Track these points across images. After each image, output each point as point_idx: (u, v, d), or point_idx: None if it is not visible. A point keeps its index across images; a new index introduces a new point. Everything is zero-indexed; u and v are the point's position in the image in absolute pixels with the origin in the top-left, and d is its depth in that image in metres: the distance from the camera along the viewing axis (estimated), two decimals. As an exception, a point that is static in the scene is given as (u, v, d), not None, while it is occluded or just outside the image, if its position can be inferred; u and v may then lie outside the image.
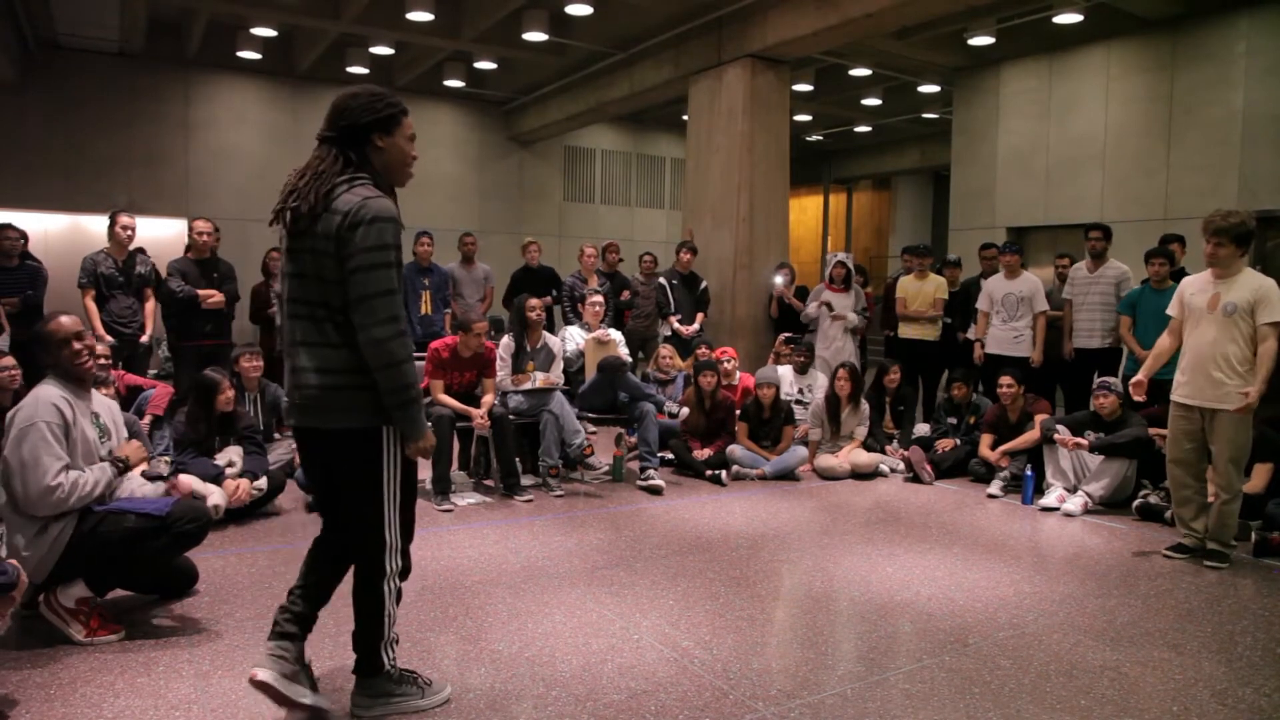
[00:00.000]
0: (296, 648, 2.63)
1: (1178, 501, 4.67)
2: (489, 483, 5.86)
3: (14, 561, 2.87)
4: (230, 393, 4.99)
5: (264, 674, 2.53)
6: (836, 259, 8.15)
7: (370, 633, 2.62)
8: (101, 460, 3.33)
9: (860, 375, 6.82)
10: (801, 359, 7.29)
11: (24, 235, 6.74)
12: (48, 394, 3.20)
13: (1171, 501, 4.81)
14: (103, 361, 5.37)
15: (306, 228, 2.41)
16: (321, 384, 2.45)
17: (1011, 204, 10.69)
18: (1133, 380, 4.69)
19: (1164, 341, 4.69)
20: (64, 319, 3.29)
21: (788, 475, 6.32)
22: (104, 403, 3.54)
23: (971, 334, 7.56)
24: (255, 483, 4.86)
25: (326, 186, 2.40)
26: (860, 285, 8.48)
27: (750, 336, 9.06)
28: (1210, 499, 4.57)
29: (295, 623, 2.64)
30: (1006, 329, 7.10)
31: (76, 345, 3.28)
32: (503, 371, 5.87)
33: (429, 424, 2.56)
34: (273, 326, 6.96)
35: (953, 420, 6.73)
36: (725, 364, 6.94)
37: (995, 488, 5.95)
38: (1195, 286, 4.53)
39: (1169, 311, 4.69)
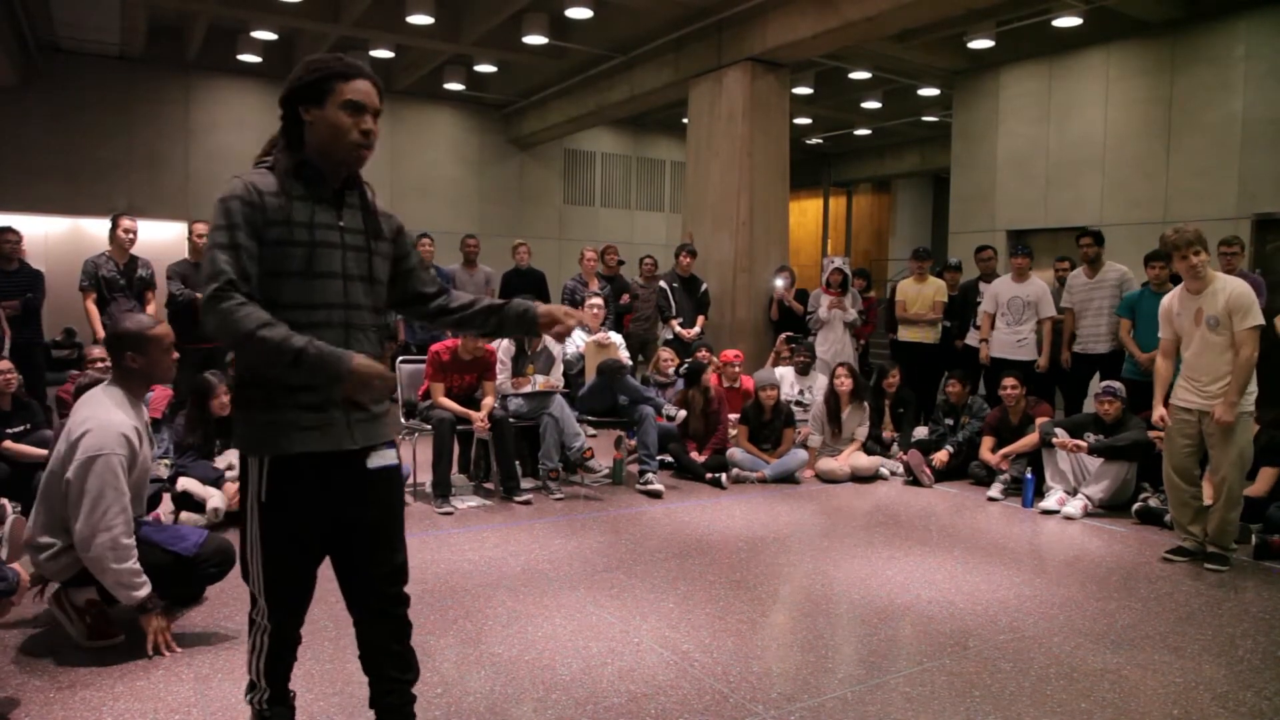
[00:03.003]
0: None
1: (1175, 505, 4.68)
2: (489, 485, 5.86)
3: (16, 566, 2.87)
4: (225, 398, 4.98)
5: None
6: (833, 265, 8.19)
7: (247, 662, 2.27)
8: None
9: (859, 374, 6.84)
10: (803, 360, 7.31)
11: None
12: (118, 422, 3.04)
13: (1169, 505, 4.81)
14: (101, 365, 5.38)
15: None
16: None
17: (1011, 207, 10.70)
18: (1156, 416, 4.67)
19: (1162, 366, 4.70)
20: (164, 326, 3.19)
21: (788, 478, 6.33)
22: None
23: (972, 339, 7.56)
24: (255, 486, 4.84)
25: None
26: (861, 289, 8.53)
27: (751, 339, 9.07)
28: (1208, 501, 4.57)
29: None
30: (1010, 332, 7.08)
31: (171, 354, 3.18)
32: (503, 374, 5.88)
33: (345, 358, 1.96)
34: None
35: (950, 421, 6.72)
36: (733, 367, 7.00)
37: (995, 490, 5.95)
38: (1178, 306, 4.57)
39: (1159, 334, 4.72)
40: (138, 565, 3.05)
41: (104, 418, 3.03)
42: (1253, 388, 4.38)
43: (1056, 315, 6.98)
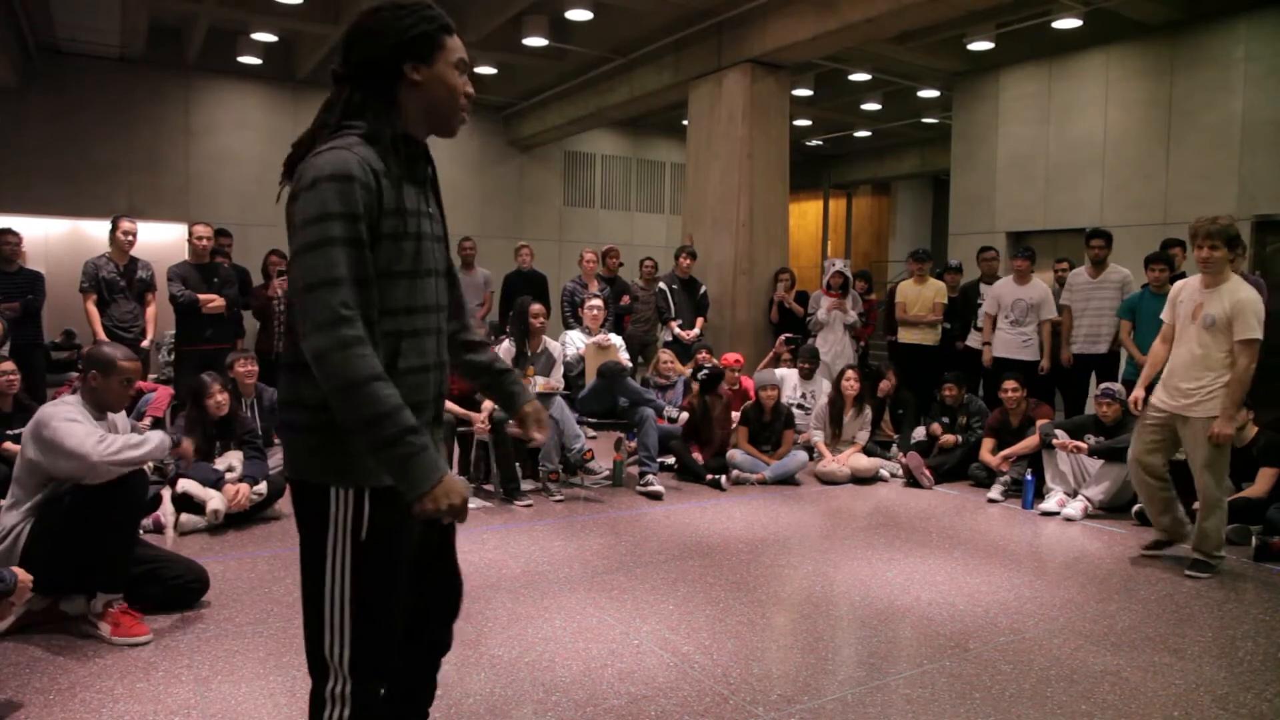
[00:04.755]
0: None
1: (1143, 499, 4.69)
2: (489, 487, 5.85)
3: (16, 569, 2.88)
4: (221, 397, 4.97)
5: None
6: (834, 268, 8.22)
7: None
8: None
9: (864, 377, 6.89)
10: (806, 365, 7.34)
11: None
12: (68, 400, 3.33)
13: (1139, 499, 4.82)
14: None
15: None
16: (281, 420, 1.80)
17: (1011, 209, 10.70)
18: (1132, 396, 4.62)
19: (1158, 349, 4.58)
20: (132, 362, 3.42)
21: (788, 480, 6.32)
22: (120, 421, 3.62)
23: (973, 340, 7.58)
24: (255, 487, 4.86)
25: (303, 153, 1.72)
26: (863, 292, 8.56)
27: (751, 341, 9.07)
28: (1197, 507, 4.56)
29: None
30: (1015, 333, 7.11)
31: (129, 388, 3.42)
32: (503, 376, 5.86)
33: (437, 471, 1.61)
34: (271, 328, 6.98)
35: (946, 419, 6.74)
36: (733, 372, 7.03)
37: (995, 492, 5.95)
38: (1185, 293, 4.44)
39: (1162, 316, 4.60)
40: (131, 439, 3.23)
41: (54, 402, 3.34)
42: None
43: (1057, 318, 7.01)
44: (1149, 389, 4.61)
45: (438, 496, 1.59)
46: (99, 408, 3.39)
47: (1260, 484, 5.07)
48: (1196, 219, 4.36)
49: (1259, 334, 4.15)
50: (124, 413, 3.66)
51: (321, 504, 1.71)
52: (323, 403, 1.64)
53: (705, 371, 6.63)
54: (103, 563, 3.25)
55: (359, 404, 1.56)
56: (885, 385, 7.21)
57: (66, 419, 3.19)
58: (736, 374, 7.12)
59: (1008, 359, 7.02)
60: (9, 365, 4.92)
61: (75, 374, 5.73)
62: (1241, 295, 4.19)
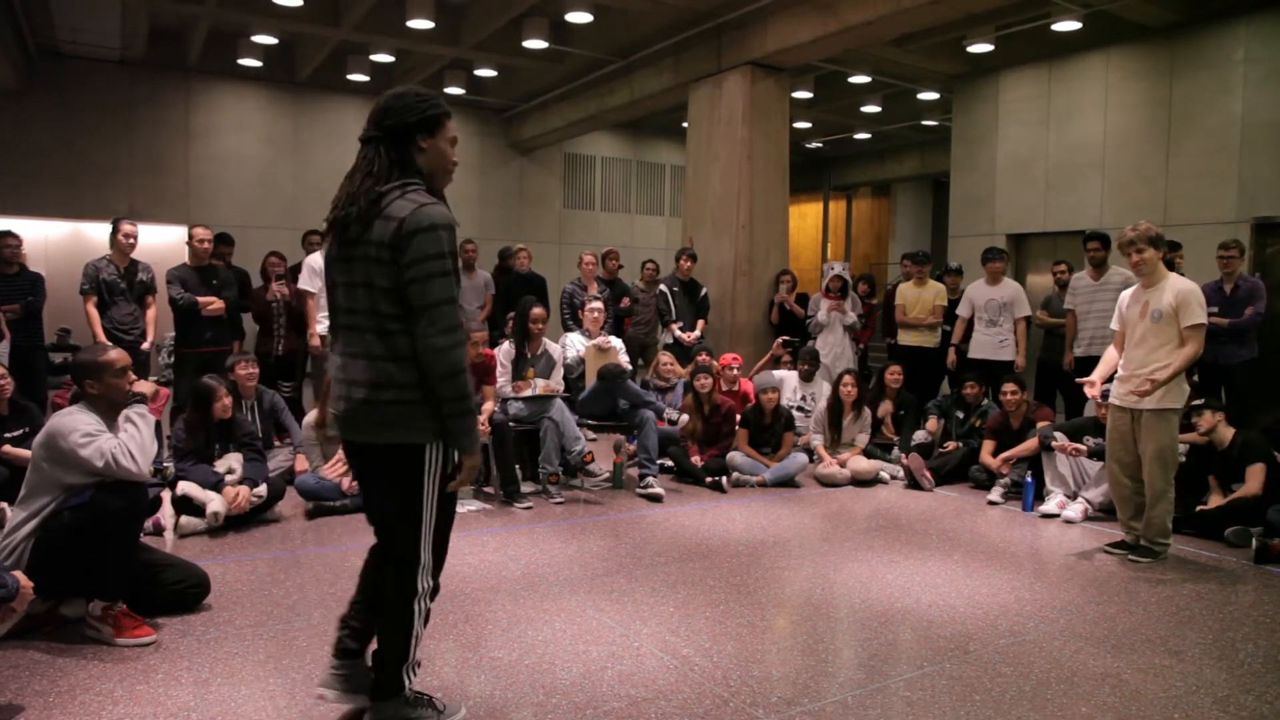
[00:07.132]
0: (358, 663, 2.65)
1: (1116, 500, 4.84)
2: (489, 490, 5.85)
3: (17, 574, 2.88)
4: (227, 400, 4.98)
5: (330, 694, 2.64)
6: (833, 271, 8.25)
7: (394, 653, 2.51)
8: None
9: (865, 380, 6.89)
10: (806, 366, 7.34)
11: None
12: (82, 412, 3.32)
13: (1113, 499, 4.95)
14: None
15: (359, 235, 2.37)
16: (369, 397, 2.39)
17: (1011, 211, 10.70)
18: (1085, 388, 4.83)
19: (1111, 353, 4.86)
20: (115, 351, 3.44)
21: (788, 482, 6.32)
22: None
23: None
24: (255, 490, 4.86)
25: (379, 190, 2.37)
26: (866, 295, 8.57)
27: (751, 343, 9.07)
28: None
29: (356, 638, 2.65)
30: (991, 334, 7.28)
31: (126, 375, 3.41)
32: (503, 378, 5.88)
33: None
34: (271, 330, 6.98)
35: (960, 414, 6.76)
36: (731, 371, 7.01)
37: (996, 494, 5.95)
38: (1129, 299, 4.74)
39: (1111, 325, 4.89)
40: (132, 435, 3.29)
41: (65, 414, 3.33)
42: (1184, 389, 4.55)
43: (1049, 317, 7.07)
44: (1107, 389, 4.83)
45: (477, 457, 2.51)
46: (111, 410, 3.38)
47: (1251, 482, 5.07)
48: (1119, 233, 4.70)
49: (1204, 319, 4.46)
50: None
51: (417, 458, 2.43)
52: (414, 383, 2.38)
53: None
54: (103, 572, 3.24)
55: (460, 385, 2.37)
56: (894, 378, 7.14)
57: (85, 435, 3.20)
58: (734, 373, 7.10)
59: (986, 360, 7.19)
60: (0, 369, 4.92)
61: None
62: (1181, 286, 4.51)
